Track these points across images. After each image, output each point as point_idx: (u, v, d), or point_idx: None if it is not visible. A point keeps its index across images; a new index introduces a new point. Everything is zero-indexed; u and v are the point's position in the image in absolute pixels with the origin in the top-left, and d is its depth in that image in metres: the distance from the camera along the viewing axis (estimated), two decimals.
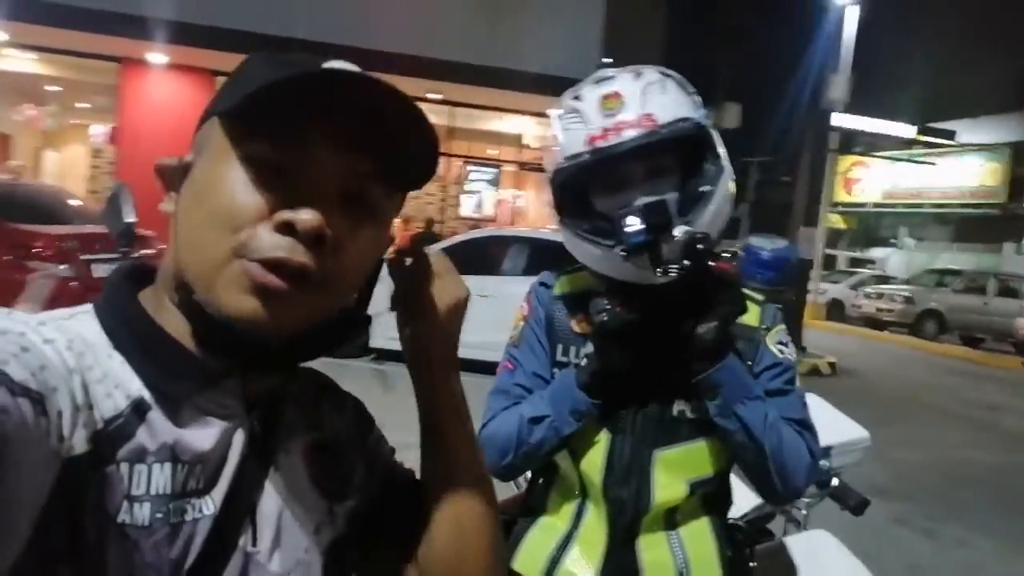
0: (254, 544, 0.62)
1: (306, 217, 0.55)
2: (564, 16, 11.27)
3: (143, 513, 0.54)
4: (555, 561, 1.30)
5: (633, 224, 1.10)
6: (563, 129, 1.23)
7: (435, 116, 13.39)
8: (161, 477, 0.56)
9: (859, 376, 10.33)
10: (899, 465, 5.64)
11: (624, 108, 1.16)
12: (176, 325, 0.60)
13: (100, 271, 6.40)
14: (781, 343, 1.30)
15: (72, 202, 7.63)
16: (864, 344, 14.56)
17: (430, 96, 12.74)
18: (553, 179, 1.25)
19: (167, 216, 0.63)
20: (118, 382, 0.56)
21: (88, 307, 0.61)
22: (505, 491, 1.60)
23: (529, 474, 1.52)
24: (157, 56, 10.98)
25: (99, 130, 12.83)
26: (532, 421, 1.24)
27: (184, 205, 0.60)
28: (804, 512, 2.16)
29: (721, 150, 1.22)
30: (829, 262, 20.84)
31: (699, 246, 1.08)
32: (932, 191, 24.36)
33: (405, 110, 0.57)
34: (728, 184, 1.21)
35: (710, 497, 1.32)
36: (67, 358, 0.53)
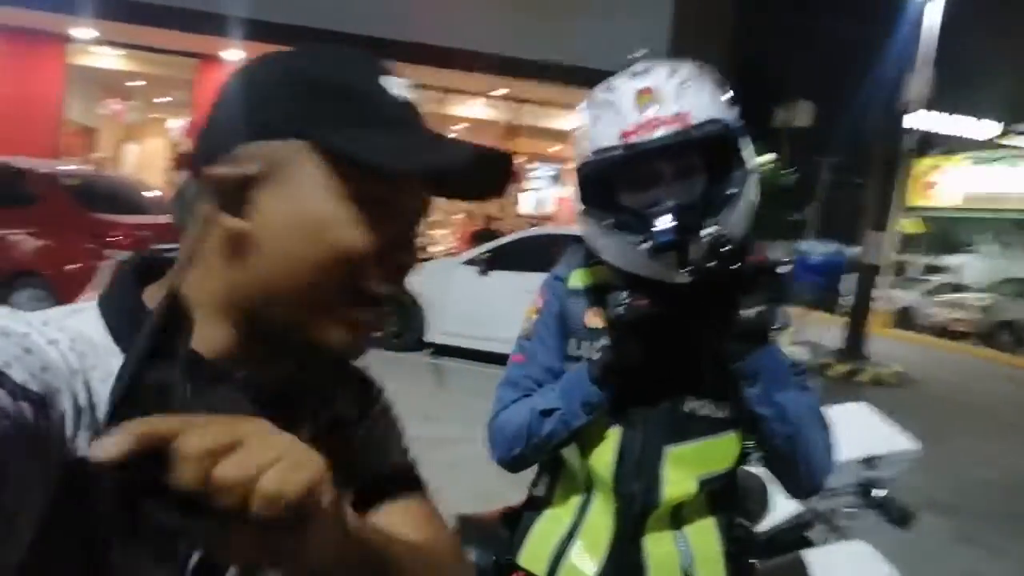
0: None
1: (413, 260, 0.62)
2: (631, 12, 11.17)
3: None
4: (560, 554, 1.31)
5: (664, 223, 1.11)
6: (594, 121, 1.22)
7: (497, 112, 13.50)
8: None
9: (926, 386, 9.96)
10: (965, 480, 5.44)
11: (658, 104, 1.16)
12: None
13: None
14: (796, 343, 1.30)
15: (148, 193, 7.90)
16: (934, 354, 14.00)
17: (493, 93, 12.79)
18: (580, 170, 1.25)
19: (233, 231, 0.59)
20: None
21: (92, 303, 0.61)
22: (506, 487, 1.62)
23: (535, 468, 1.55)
24: (232, 52, 11.37)
25: (177, 124, 13.33)
26: (543, 414, 1.25)
27: (277, 232, 0.58)
28: (845, 522, 2.13)
29: (747, 153, 1.22)
30: (899, 268, 20.08)
31: (724, 248, 1.09)
32: (1015, 196, 23.22)
33: (495, 161, 0.61)
34: (753, 188, 1.22)
35: (717, 495, 1.32)
36: (70, 359, 0.53)
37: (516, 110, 13.49)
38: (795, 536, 2.04)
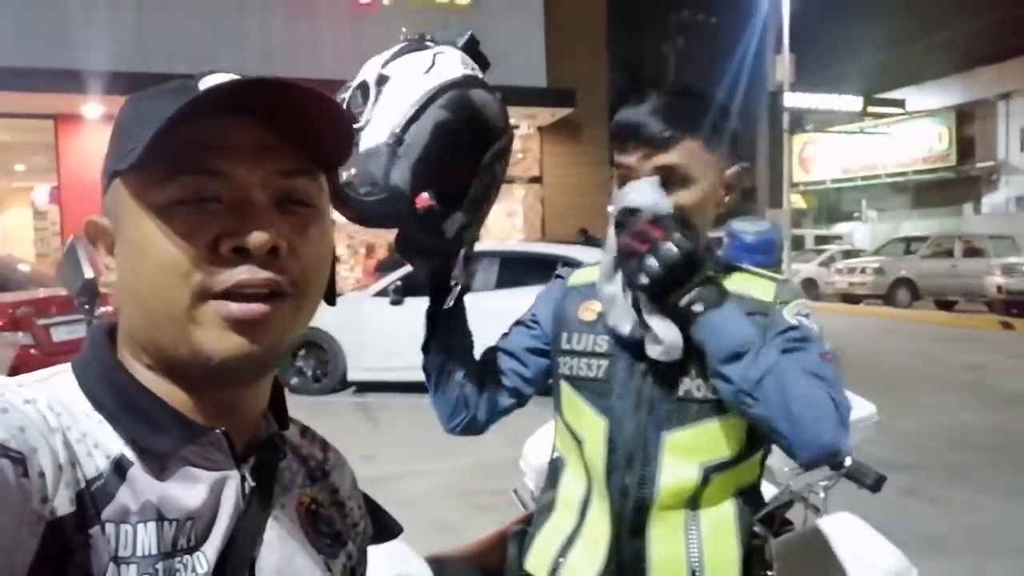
0: None
1: (254, 236, 0.55)
2: (508, 22, 11.27)
3: (130, 575, 0.53)
4: (562, 555, 1.27)
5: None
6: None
7: None
8: (146, 537, 0.54)
9: (843, 353, 10.27)
10: (897, 436, 5.55)
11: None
12: (150, 382, 0.60)
13: (60, 334, 6.21)
14: (800, 314, 1.24)
15: (22, 267, 7.45)
16: (842, 320, 14.58)
17: None
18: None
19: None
20: (96, 442, 0.55)
21: (66, 367, 0.61)
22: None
23: (534, 489, 1.55)
24: (92, 108, 10.69)
25: (43, 191, 12.54)
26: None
27: (125, 271, 0.59)
28: (822, 495, 2.05)
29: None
30: (797, 242, 21.02)
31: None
32: (886, 161, 24.78)
33: (297, 94, 0.56)
34: None
35: (733, 486, 1.24)
36: (48, 418, 0.53)
37: None
38: (777, 521, 1.94)
